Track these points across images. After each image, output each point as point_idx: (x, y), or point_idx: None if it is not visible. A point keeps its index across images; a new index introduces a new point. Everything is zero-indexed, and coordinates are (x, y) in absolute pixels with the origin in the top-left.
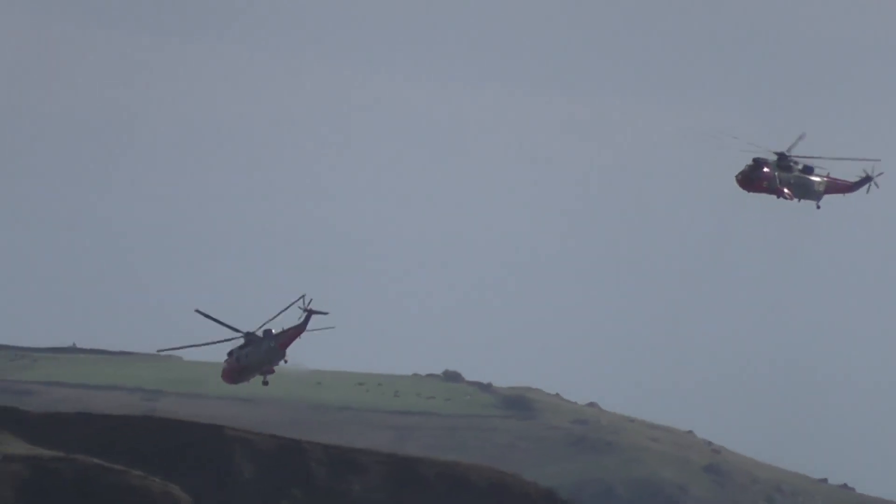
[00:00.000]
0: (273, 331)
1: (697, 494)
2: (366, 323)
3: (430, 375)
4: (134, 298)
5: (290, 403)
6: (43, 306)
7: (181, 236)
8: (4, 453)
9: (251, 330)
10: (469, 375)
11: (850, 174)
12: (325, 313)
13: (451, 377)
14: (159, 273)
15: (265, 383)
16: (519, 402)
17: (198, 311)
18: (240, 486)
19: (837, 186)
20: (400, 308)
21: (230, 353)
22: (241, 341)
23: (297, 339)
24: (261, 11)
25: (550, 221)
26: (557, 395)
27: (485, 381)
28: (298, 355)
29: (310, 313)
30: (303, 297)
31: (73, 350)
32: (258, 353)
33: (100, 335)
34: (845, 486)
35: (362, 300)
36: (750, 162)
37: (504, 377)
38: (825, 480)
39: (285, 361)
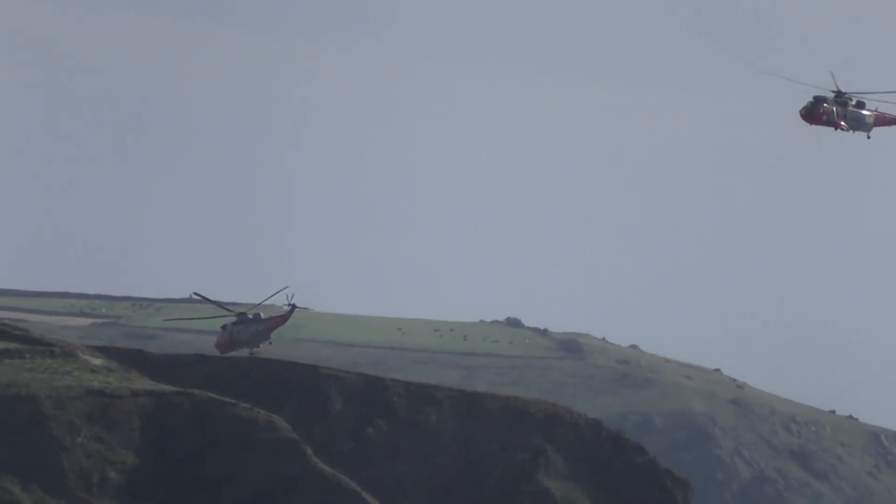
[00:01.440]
0: (262, 315)
1: (724, 424)
2: (439, 275)
3: (495, 322)
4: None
5: (376, 347)
6: (164, 260)
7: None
8: (132, 388)
9: (245, 311)
10: (528, 322)
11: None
12: (307, 308)
13: (513, 323)
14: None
15: (250, 355)
16: (571, 345)
17: (195, 293)
18: (332, 418)
19: (885, 120)
20: (469, 262)
21: (224, 327)
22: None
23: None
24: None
25: (601, 173)
26: (604, 338)
27: (542, 326)
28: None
29: (293, 307)
30: (285, 288)
31: (189, 301)
32: (247, 333)
33: (214, 289)
34: (851, 416)
35: (436, 257)
36: (811, 99)
37: (558, 323)
38: (833, 412)
39: (269, 343)
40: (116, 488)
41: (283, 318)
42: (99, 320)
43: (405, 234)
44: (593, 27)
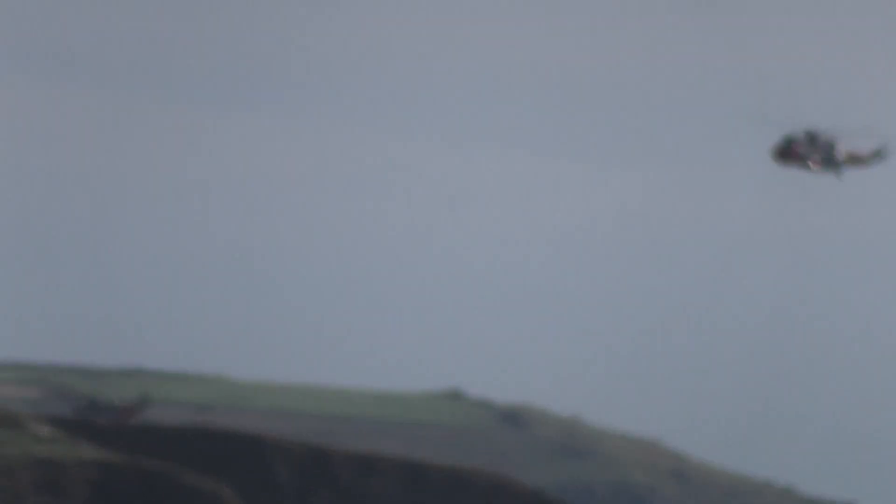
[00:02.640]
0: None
1: (664, 494)
2: (383, 345)
3: (438, 393)
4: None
5: (320, 416)
6: (108, 329)
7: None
8: (81, 458)
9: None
10: (471, 392)
11: (865, 148)
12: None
13: (455, 394)
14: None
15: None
16: (513, 416)
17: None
18: (277, 487)
19: (856, 158)
20: (412, 332)
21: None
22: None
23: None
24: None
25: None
26: (544, 410)
27: (484, 397)
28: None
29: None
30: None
31: (134, 371)
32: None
33: (160, 356)
34: (789, 487)
35: (380, 327)
36: (782, 138)
37: (501, 393)
38: (769, 483)
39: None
40: None
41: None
42: (47, 390)
43: (350, 305)
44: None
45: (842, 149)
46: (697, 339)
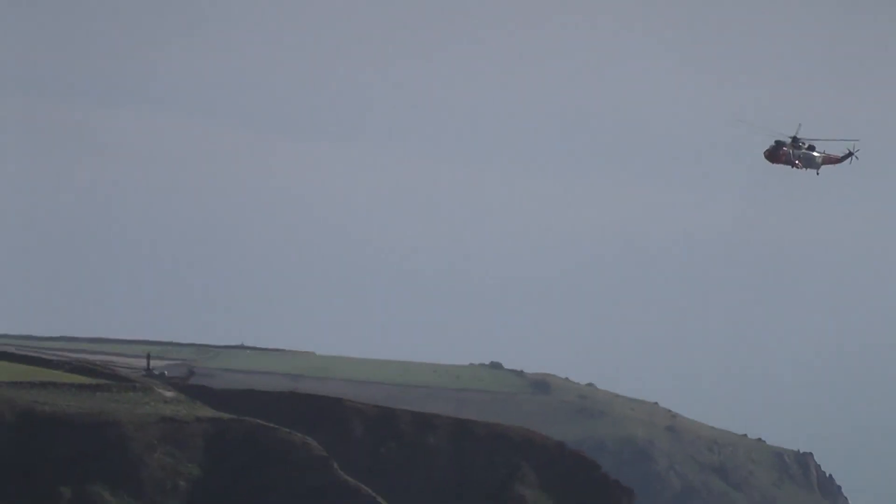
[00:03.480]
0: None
1: (661, 446)
2: (438, 326)
3: (481, 364)
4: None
5: (387, 384)
6: (219, 311)
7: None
8: (197, 416)
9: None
10: (507, 364)
11: (838, 151)
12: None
13: (495, 366)
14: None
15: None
16: (541, 384)
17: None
18: (353, 440)
19: (830, 159)
20: (461, 315)
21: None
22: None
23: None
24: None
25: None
26: (567, 378)
27: (518, 368)
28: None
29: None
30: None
31: (241, 347)
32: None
33: (260, 336)
34: (759, 439)
35: (436, 311)
36: (773, 143)
37: (531, 365)
38: (745, 435)
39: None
40: (183, 494)
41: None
42: (170, 362)
43: (411, 295)
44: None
45: (819, 152)
46: (686, 323)
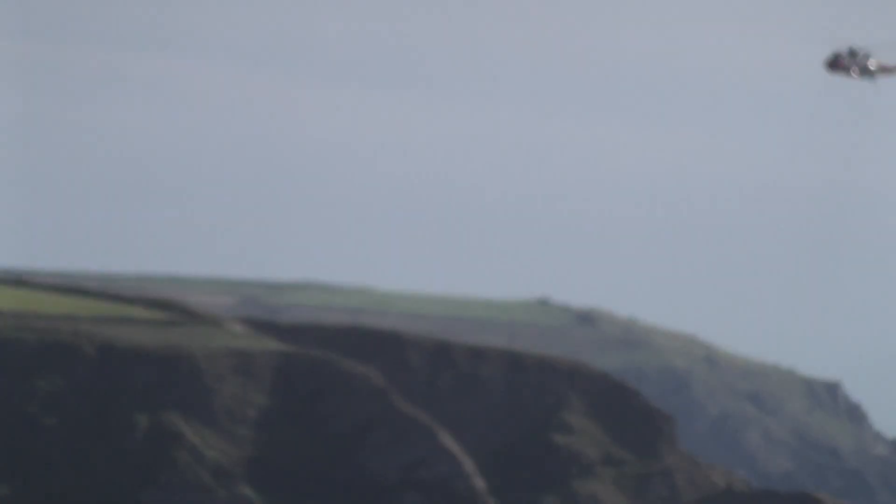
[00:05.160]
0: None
1: (698, 376)
2: (490, 261)
3: (530, 299)
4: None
5: (442, 318)
6: (284, 250)
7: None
8: (264, 349)
9: None
10: (555, 299)
11: (892, 61)
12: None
13: (544, 300)
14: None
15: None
16: (587, 317)
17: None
18: (410, 370)
19: (886, 68)
20: (511, 251)
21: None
22: None
23: None
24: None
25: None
26: (610, 311)
27: (565, 302)
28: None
29: None
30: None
31: (304, 285)
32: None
33: (323, 273)
34: (791, 370)
35: (490, 247)
36: (831, 53)
37: (578, 299)
38: (777, 365)
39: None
40: (253, 422)
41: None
42: (239, 299)
43: (465, 232)
44: None
45: (874, 62)
46: (725, 260)
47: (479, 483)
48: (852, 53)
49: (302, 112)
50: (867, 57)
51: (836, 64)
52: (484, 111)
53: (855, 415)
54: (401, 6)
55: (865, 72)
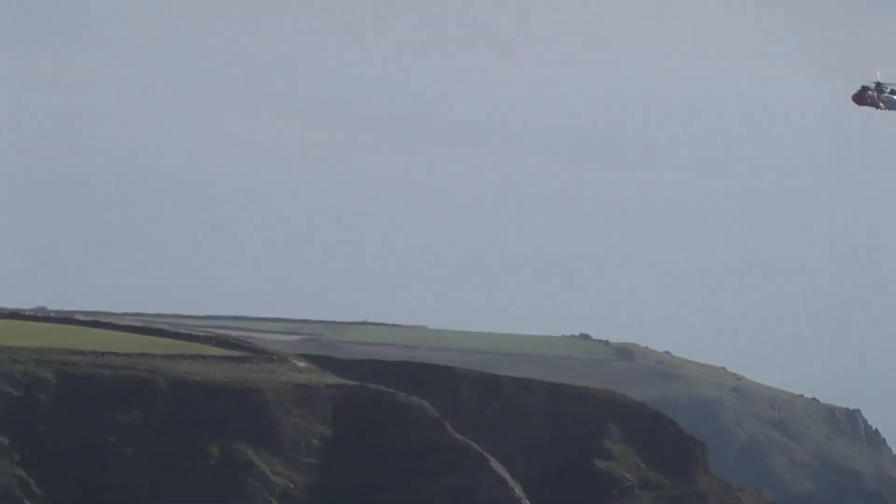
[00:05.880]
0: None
1: (728, 405)
2: (536, 302)
3: (572, 336)
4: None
5: (489, 353)
6: (345, 291)
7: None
8: (326, 383)
9: None
10: (595, 335)
11: None
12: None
13: (584, 336)
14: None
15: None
16: (624, 351)
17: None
18: (462, 402)
19: None
20: (552, 292)
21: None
22: None
23: None
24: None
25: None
26: (646, 346)
27: (604, 338)
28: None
29: None
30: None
31: (363, 323)
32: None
33: (380, 312)
34: (814, 398)
35: (532, 288)
36: (859, 87)
37: (615, 336)
38: (802, 395)
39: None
40: (316, 450)
41: None
42: (303, 337)
43: (510, 275)
44: None
45: None
46: (749, 299)
47: None
48: (879, 88)
49: (351, 162)
50: (893, 92)
51: (863, 98)
52: (512, 157)
53: (874, 440)
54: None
55: (891, 105)
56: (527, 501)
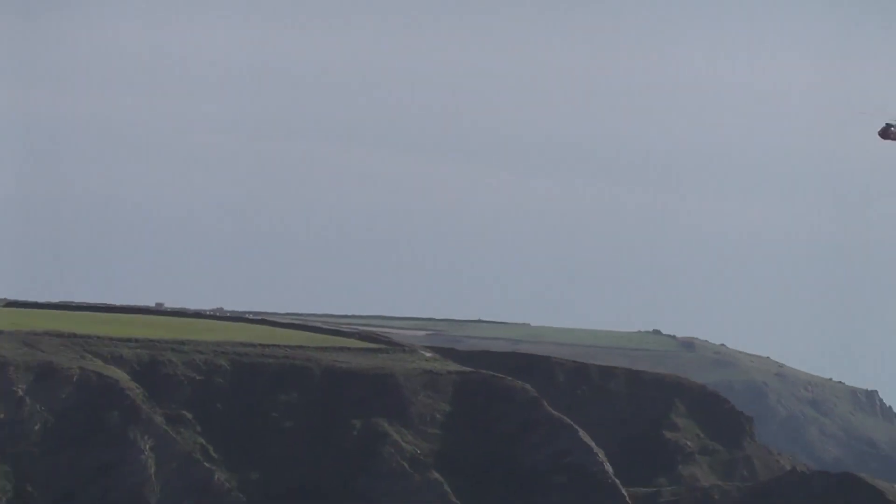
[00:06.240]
0: None
1: (772, 387)
2: (615, 300)
3: (645, 331)
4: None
5: (578, 345)
6: (462, 292)
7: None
8: (448, 369)
9: None
10: (665, 331)
11: None
12: None
13: (656, 332)
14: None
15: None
16: (688, 344)
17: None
18: (557, 385)
19: None
20: (630, 293)
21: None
22: None
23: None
24: None
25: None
26: (706, 339)
27: (672, 333)
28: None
29: None
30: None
31: (477, 321)
32: None
33: (491, 311)
34: (840, 381)
35: (615, 288)
36: (884, 124)
37: (681, 331)
38: (830, 379)
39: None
40: (440, 424)
41: None
42: (429, 332)
43: (601, 276)
44: None
45: None
46: (788, 296)
47: (609, 468)
48: None
49: (463, 187)
50: None
51: (887, 134)
52: (608, 184)
53: (888, 415)
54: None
55: None
56: (609, 465)
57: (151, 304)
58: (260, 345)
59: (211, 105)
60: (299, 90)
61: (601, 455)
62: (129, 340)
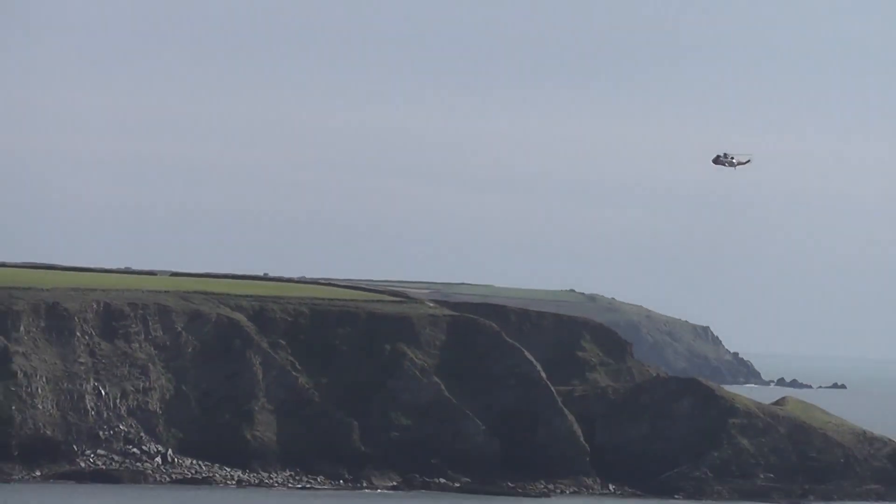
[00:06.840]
0: None
1: (644, 324)
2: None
3: (565, 290)
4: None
5: (527, 298)
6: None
7: None
8: (444, 313)
9: None
10: (578, 289)
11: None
12: None
13: (571, 290)
14: None
15: None
16: (591, 298)
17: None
18: (510, 323)
19: (741, 162)
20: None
21: None
22: None
23: None
24: None
25: None
26: (602, 294)
27: (582, 290)
28: None
29: None
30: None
31: (461, 283)
32: None
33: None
34: (686, 320)
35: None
36: (716, 154)
37: (587, 288)
38: (679, 318)
39: None
40: (438, 347)
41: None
42: (431, 290)
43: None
44: None
45: (736, 159)
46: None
47: (543, 374)
48: (726, 155)
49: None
50: (732, 157)
51: (718, 161)
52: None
53: (716, 342)
54: None
55: (731, 164)
56: (543, 372)
57: (260, 273)
58: (327, 299)
59: None
60: None
61: (538, 366)
62: (247, 296)
